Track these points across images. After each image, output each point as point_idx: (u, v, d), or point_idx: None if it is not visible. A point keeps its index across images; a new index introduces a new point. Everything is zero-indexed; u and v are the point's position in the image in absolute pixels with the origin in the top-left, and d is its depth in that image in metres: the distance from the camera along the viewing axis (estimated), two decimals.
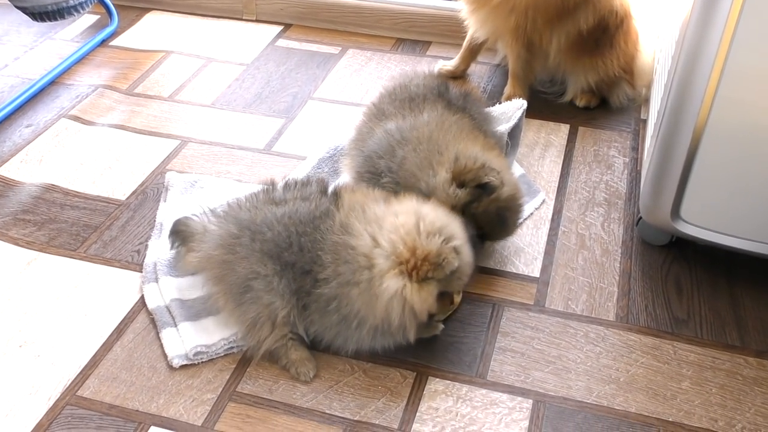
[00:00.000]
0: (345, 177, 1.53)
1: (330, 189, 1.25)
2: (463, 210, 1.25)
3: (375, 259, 1.09)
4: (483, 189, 1.26)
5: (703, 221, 1.30)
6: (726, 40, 1.14)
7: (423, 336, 1.22)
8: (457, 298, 1.29)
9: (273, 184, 1.27)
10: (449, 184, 1.25)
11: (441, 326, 1.26)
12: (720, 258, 1.41)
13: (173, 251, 1.36)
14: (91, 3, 1.99)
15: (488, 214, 1.27)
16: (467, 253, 1.14)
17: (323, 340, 1.19)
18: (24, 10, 1.87)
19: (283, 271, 1.15)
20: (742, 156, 1.22)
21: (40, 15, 1.89)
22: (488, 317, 1.30)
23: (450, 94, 1.45)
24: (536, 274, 1.39)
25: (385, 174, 1.32)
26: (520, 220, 1.41)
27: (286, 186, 1.26)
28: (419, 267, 1.07)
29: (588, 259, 1.42)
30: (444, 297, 1.16)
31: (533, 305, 1.33)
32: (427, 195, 1.24)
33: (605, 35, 1.79)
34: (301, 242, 1.15)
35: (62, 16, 1.92)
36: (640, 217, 1.43)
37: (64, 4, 1.90)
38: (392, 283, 1.07)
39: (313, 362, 1.19)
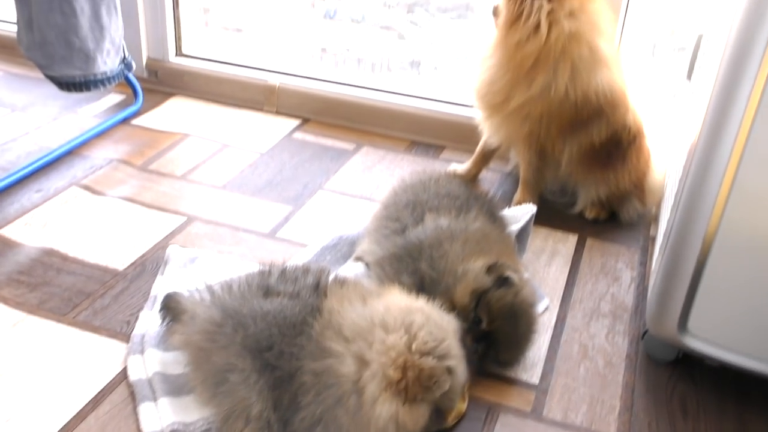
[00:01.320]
0: (351, 264, 1.52)
1: (320, 283, 1.21)
2: (481, 296, 1.27)
3: (365, 383, 1.03)
4: (504, 281, 1.28)
5: (712, 336, 1.25)
6: (733, 163, 1.14)
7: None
8: (463, 406, 1.23)
9: (270, 269, 1.25)
10: (482, 271, 1.29)
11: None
12: (729, 380, 1.35)
13: (162, 326, 1.33)
14: (118, 79, 2.05)
15: (504, 306, 1.26)
16: (461, 372, 1.10)
17: None
18: (53, 79, 1.93)
19: (263, 370, 1.10)
20: (751, 274, 1.19)
21: (67, 85, 1.94)
22: (482, 421, 1.24)
23: (489, 202, 1.57)
24: (535, 380, 1.33)
25: (419, 262, 1.34)
26: (531, 340, 1.35)
27: (283, 274, 1.23)
28: (409, 388, 1.03)
29: (590, 369, 1.37)
30: (436, 413, 1.10)
31: (530, 412, 1.27)
32: (452, 285, 1.28)
33: (618, 150, 1.81)
34: (282, 347, 1.10)
35: (88, 88, 1.97)
36: (646, 331, 1.39)
37: (92, 78, 1.96)
38: (385, 409, 1.02)
39: None
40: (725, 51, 1.14)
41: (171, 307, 1.29)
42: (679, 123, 1.79)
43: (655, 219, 1.85)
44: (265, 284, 1.20)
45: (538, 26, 1.66)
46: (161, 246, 1.64)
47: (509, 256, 1.44)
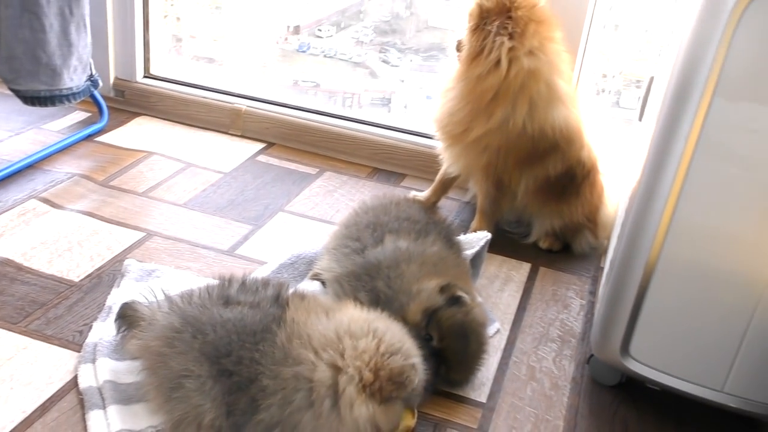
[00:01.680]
0: (308, 282, 1.54)
1: (281, 295, 1.24)
2: (432, 315, 1.30)
3: (342, 388, 1.07)
4: (456, 301, 1.32)
5: (652, 360, 1.30)
6: (672, 199, 1.20)
7: None
8: (412, 422, 1.25)
9: (230, 280, 1.27)
10: (436, 291, 1.33)
11: None
12: (670, 405, 1.40)
13: (118, 334, 1.33)
14: (83, 95, 2.06)
15: (454, 324, 1.30)
16: (422, 369, 1.14)
17: None
18: (18, 93, 1.93)
19: (219, 377, 1.12)
20: (688, 302, 1.25)
21: (32, 99, 1.94)
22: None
23: (447, 228, 1.61)
24: (483, 399, 1.36)
25: (376, 281, 1.37)
26: (481, 359, 1.38)
27: (243, 286, 1.25)
28: (383, 388, 1.07)
29: (536, 390, 1.40)
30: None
31: (476, 429, 1.29)
32: (405, 304, 1.32)
33: (572, 184, 1.87)
34: (240, 354, 1.12)
35: (53, 103, 1.98)
36: (592, 355, 1.43)
37: (57, 93, 1.97)
38: (363, 411, 1.06)
39: None
40: (666, 93, 1.21)
41: (128, 315, 1.29)
42: (631, 161, 1.86)
43: (606, 252, 1.90)
44: (225, 294, 1.22)
45: (498, 62, 1.73)
46: (119, 260, 1.64)
47: (464, 279, 1.48)
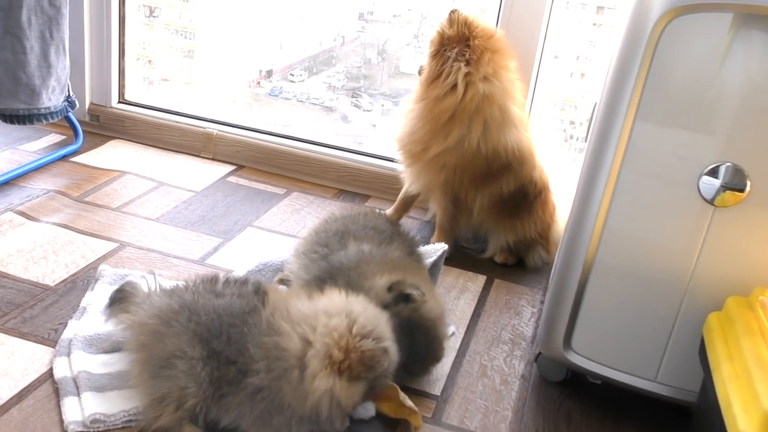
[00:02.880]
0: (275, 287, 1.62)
1: (260, 288, 1.33)
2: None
3: (308, 360, 1.16)
4: (405, 298, 1.40)
5: (591, 353, 1.40)
6: (604, 208, 1.33)
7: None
8: (418, 419, 1.33)
9: (215, 278, 1.35)
10: (384, 288, 1.40)
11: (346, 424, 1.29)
12: (610, 398, 1.50)
13: (110, 306, 1.39)
14: (60, 115, 2.15)
15: (401, 321, 1.37)
16: (394, 353, 1.23)
17: (238, 427, 1.22)
18: None
19: (208, 359, 1.20)
20: (622, 298, 1.36)
21: (11, 118, 2.03)
22: (383, 424, 1.34)
23: (410, 239, 1.70)
24: (437, 392, 1.45)
25: (337, 281, 1.44)
26: (433, 351, 1.47)
27: (227, 282, 1.34)
28: (353, 368, 1.16)
29: (487, 386, 1.50)
30: (369, 391, 1.22)
31: (430, 418, 1.38)
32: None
33: (525, 201, 1.99)
34: (230, 333, 1.21)
35: (31, 122, 2.06)
36: (539, 353, 1.53)
37: (35, 111, 2.06)
38: (323, 383, 1.15)
39: None
40: (596, 117, 1.34)
41: (126, 291, 1.37)
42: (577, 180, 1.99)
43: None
44: (212, 289, 1.30)
45: (455, 86, 1.86)
46: (93, 267, 1.72)
47: (422, 280, 1.57)
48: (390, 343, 1.22)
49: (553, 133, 2.53)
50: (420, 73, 1.97)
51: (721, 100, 1.20)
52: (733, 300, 1.22)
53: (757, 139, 1.20)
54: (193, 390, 1.19)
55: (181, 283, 1.34)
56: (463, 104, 1.86)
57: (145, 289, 1.37)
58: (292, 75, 2.87)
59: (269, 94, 2.87)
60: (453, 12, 1.88)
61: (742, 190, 1.22)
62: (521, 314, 1.79)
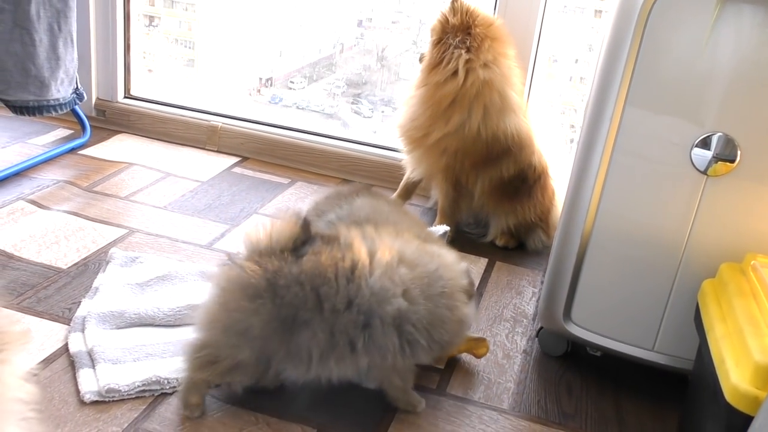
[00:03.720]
0: None
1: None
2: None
3: (453, 284, 1.31)
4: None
5: (591, 325, 1.45)
6: (600, 181, 1.37)
7: (411, 407, 1.35)
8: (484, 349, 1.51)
9: (296, 240, 1.25)
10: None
11: (423, 404, 1.36)
12: (609, 370, 1.54)
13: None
14: (69, 107, 2.20)
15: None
16: None
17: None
18: (7, 103, 2.06)
19: (291, 332, 1.20)
20: (618, 270, 1.40)
21: (21, 109, 2.07)
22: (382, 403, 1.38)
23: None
24: (441, 365, 1.49)
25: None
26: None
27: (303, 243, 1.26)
28: (473, 296, 1.37)
29: (490, 360, 1.54)
30: None
31: (435, 389, 1.42)
32: None
33: (524, 185, 2.03)
34: (319, 293, 1.20)
35: (41, 113, 2.11)
36: (541, 328, 1.57)
37: (45, 103, 2.10)
38: (470, 310, 1.33)
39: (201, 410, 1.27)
40: (589, 99, 1.39)
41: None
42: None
43: None
44: (293, 253, 1.23)
45: (456, 72, 1.91)
46: (104, 251, 1.76)
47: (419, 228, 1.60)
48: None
49: (551, 120, 2.57)
50: (421, 60, 2.01)
51: (710, 73, 1.24)
52: (726, 266, 1.26)
53: (746, 110, 1.24)
54: (253, 362, 1.22)
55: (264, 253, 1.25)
56: (463, 90, 1.91)
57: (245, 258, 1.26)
58: (292, 82, 2.90)
59: (269, 102, 2.90)
60: (455, 1, 1.93)
61: (732, 161, 1.26)
62: (522, 294, 1.83)
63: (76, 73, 2.22)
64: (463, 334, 1.37)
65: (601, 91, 1.33)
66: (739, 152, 1.25)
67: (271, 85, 2.93)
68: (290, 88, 2.89)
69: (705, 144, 1.27)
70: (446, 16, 1.93)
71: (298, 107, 2.87)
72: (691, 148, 1.28)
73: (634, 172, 1.33)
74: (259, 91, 2.94)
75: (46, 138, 2.43)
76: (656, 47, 1.26)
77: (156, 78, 2.89)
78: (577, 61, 2.63)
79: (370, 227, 1.33)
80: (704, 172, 1.28)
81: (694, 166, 1.28)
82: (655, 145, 1.30)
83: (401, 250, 1.28)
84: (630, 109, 1.30)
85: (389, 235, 1.32)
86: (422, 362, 1.31)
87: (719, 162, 1.27)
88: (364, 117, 2.80)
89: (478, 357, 1.51)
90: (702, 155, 1.27)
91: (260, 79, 2.92)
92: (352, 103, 2.82)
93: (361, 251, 1.24)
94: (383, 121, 2.80)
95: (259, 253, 1.23)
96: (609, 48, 1.32)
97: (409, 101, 2.00)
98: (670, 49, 1.25)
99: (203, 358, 1.23)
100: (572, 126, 2.63)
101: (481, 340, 1.51)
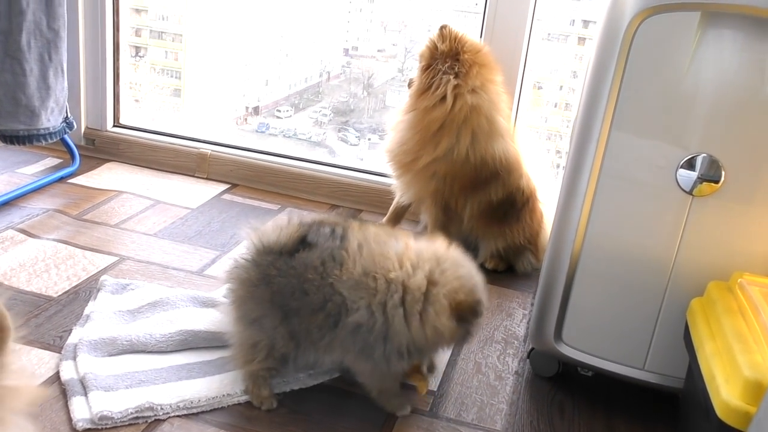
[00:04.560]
0: None
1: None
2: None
3: (434, 298, 1.29)
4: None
5: (582, 345, 1.46)
6: (587, 205, 1.39)
7: (392, 410, 1.40)
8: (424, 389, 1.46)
9: (295, 238, 1.36)
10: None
11: (408, 409, 1.41)
12: (600, 390, 1.55)
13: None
14: (59, 135, 2.21)
15: None
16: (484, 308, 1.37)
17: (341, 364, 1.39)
18: None
19: (286, 318, 1.33)
20: (607, 289, 1.42)
21: (11, 138, 2.08)
22: (384, 417, 1.39)
23: None
24: (433, 388, 1.50)
25: None
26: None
27: (303, 239, 1.37)
28: (465, 313, 1.30)
29: (482, 381, 1.54)
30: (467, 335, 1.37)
31: (428, 411, 1.42)
32: None
33: (513, 209, 2.06)
34: (305, 288, 1.31)
35: (31, 142, 2.11)
36: (532, 349, 1.58)
37: (35, 132, 2.11)
38: (446, 319, 1.29)
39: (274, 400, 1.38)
40: (576, 120, 1.41)
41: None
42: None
43: None
44: (289, 250, 1.35)
45: (444, 97, 1.94)
46: (95, 278, 1.76)
47: None
48: (484, 297, 1.36)
49: (537, 145, 2.60)
50: (410, 85, 2.04)
51: (694, 96, 1.27)
52: (714, 285, 1.28)
53: (730, 131, 1.27)
54: (280, 343, 1.34)
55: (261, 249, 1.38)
56: (452, 115, 1.93)
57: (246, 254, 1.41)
58: (279, 111, 2.92)
59: (256, 131, 2.92)
60: (444, 27, 1.96)
61: (717, 181, 1.29)
62: (513, 316, 1.84)
63: (66, 102, 2.23)
64: (435, 346, 1.34)
65: (587, 115, 1.36)
66: (723, 173, 1.28)
67: (257, 113, 2.95)
68: (277, 117, 2.91)
69: (690, 165, 1.29)
70: (435, 43, 1.96)
71: (284, 135, 2.88)
72: (677, 170, 1.30)
73: (621, 194, 1.35)
74: (245, 119, 2.96)
75: (35, 167, 2.43)
76: (641, 71, 1.29)
77: (143, 108, 2.90)
78: (561, 87, 2.67)
79: (376, 228, 1.40)
80: (690, 193, 1.31)
81: (680, 186, 1.31)
82: (642, 167, 1.33)
83: (382, 255, 1.32)
84: (616, 133, 1.33)
85: (392, 238, 1.37)
86: (394, 369, 1.33)
87: (704, 182, 1.29)
88: (350, 145, 2.82)
89: (419, 392, 1.46)
90: (687, 176, 1.30)
91: (247, 108, 2.94)
92: (339, 131, 2.84)
93: (351, 254, 1.32)
94: (370, 148, 2.81)
95: (259, 251, 1.37)
96: (594, 72, 1.35)
97: (398, 126, 2.03)
98: (655, 72, 1.28)
99: (245, 351, 1.37)
100: (558, 151, 2.66)
101: (423, 379, 1.47)
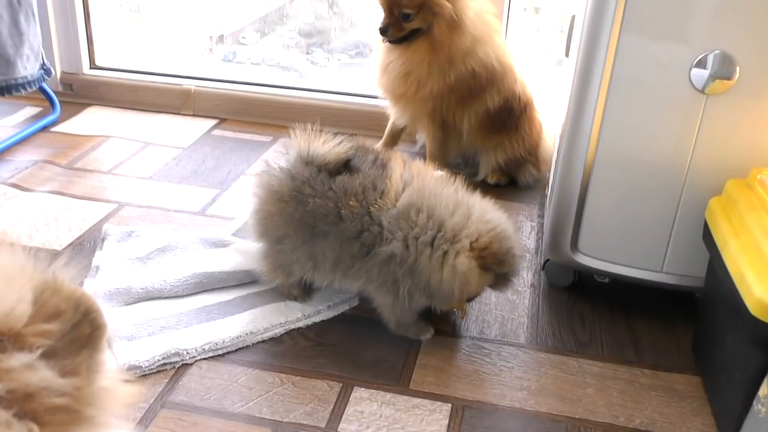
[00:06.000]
0: None
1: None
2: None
3: (460, 240, 1.27)
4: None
5: (599, 252, 1.46)
6: (600, 107, 1.36)
7: (412, 336, 1.39)
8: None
9: (339, 159, 1.35)
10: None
11: (431, 332, 1.40)
12: (617, 294, 1.56)
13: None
14: (37, 84, 2.13)
15: None
16: (519, 259, 1.36)
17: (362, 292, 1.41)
18: None
19: (312, 240, 1.34)
20: (622, 195, 1.41)
21: None
22: (410, 342, 1.39)
23: None
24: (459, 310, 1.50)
25: None
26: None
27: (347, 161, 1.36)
28: (487, 257, 1.27)
29: (500, 297, 1.55)
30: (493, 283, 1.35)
31: (450, 331, 1.43)
32: None
33: (510, 117, 2.03)
34: (341, 213, 1.30)
35: (9, 93, 2.03)
36: (547, 260, 1.58)
37: (12, 82, 2.03)
38: (464, 262, 1.26)
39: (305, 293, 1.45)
40: (584, 26, 1.36)
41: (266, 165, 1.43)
42: (563, 92, 2.02)
43: (548, 182, 2.06)
44: (331, 168, 1.34)
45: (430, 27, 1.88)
46: (97, 228, 1.72)
47: None
48: (520, 254, 1.35)
49: (530, 52, 2.55)
50: (383, 33, 1.93)
51: None
52: (732, 183, 1.27)
53: (741, 25, 1.23)
54: (297, 266, 1.36)
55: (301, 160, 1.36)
56: (456, 45, 1.89)
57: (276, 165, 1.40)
58: (244, 38, 2.81)
59: (223, 60, 2.82)
60: None
61: (730, 78, 1.26)
62: (521, 229, 1.83)
63: (41, 48, 2.14)
64: (457, 289, 1.29)
65: (595, 21, 1.31)
66: (737, 69, 1.25)
67: (222, 42, 2.85)
68: (242, 44, 2.82)
69: (702, 63, 1.26)
70: None
71: (252, 63, 2.80)
72: (690, 69, 1.27)
73: (633, 98, 1.33)
74: (210, 50, 2.86)
75: (14, 118, 2.35)
76: None
77: (102, 46, 2.78)
78: None
79: (415, 164, 1.38)
80: (703, 91, 1.28)
81: (693, 86, 1.28)
82: (654, 69, 1.30)
83: (433, 192, 1.31)
84: (626, 36, 1.29)
85: (431, 178, 1.35)
86: (414, 307, 1.34)
87: (717, 80, 1.26)
88: (320, 66, 2.75)
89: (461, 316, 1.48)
90: (700, 75, 1.27)
91: (210, 37, 2.84)
92: (307, 53, 2.76)
93: (394, 185, 1.30)
94: (340, 69, 2.75)
95: (301, 159, 1.35)
96: None
97: (394, 62, 1.96)
98: None
99: (270, 266, 1.42)
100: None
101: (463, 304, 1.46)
